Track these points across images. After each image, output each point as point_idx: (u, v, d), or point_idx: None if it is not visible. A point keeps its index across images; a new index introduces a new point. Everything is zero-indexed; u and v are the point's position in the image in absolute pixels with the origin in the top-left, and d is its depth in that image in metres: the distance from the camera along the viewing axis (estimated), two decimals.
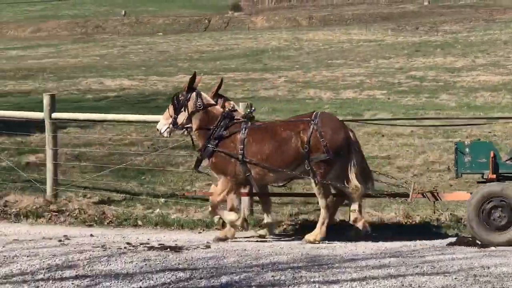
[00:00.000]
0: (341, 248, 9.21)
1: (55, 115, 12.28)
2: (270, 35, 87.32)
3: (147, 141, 17.24)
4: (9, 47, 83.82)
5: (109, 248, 8.79)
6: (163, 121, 9.90)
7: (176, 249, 8.79)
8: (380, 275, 7.24)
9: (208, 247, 9.09)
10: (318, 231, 9.46)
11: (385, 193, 10.31)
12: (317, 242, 9.42)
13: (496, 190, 9.13)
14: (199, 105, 9.63)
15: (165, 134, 9.92)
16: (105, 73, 45.60)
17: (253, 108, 10.31)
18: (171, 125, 9.75)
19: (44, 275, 7.47)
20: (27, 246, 8.93)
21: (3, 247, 8.85)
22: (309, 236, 9.52)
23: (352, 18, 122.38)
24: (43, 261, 7.95)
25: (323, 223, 9.43)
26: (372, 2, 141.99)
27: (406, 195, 10.03)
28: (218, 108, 9.81)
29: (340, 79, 40.06)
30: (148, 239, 9.70)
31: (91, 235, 10.13)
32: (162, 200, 12.09)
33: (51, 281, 7.22)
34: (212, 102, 9.89)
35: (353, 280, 7.09)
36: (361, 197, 9.49)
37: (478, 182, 9.97)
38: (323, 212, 9.43)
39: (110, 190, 13.08)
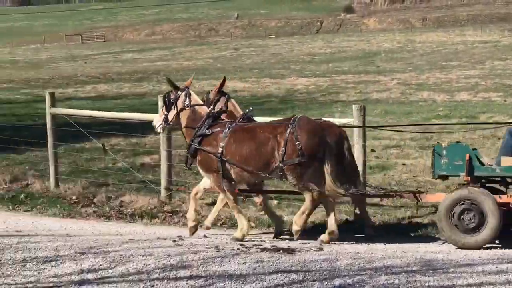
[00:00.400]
0: (456, 252, 9.02)
1: None
2: (383, 37, 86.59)
3: None
4: (124, 50, 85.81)
5: (223, 249, 8.84)
6: (157, 118, 10.48)
7: (289, 251, 8.77)
8: (497, 281, 7.05)
9: (321, 249, 9.05)
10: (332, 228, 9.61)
11: (370, 193, 10.28)
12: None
13: (466, 193, 9.23)
14: (187, 104, 10.13)
15: (159, 130, 10.55)
16: (218, 76, 46.03)
17: (251, 109, 10.70)
18: (163, 122, 10.29)
19: (159, 274, 7.58)
20: (142, 246, 9.08)
21: (119, 246, 9.02)
22: (323, 237, 9.69)
23: (467, 19, 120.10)
24: (158, 261, 8.06)
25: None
26: (488, 2, 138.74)
27: (389, 196, 10.29)
28: (204, 108, 10.20)
29: (454, 81, 39.29)
30: (261, 241, 9.72)
31: (205, 236, 10.23)
32: (275, 202, 12.09)
33: (166, 281, 7.32)
34: (200, 102, 10.32)
35: (469, 285, 6.93)
36: (335, 199, 9.70)
37: (459, 184, 9.94)
38: (308, 204, 9.53)
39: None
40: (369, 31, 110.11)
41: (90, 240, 9.50)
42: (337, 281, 7.13)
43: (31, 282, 7.37)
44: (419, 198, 9.80)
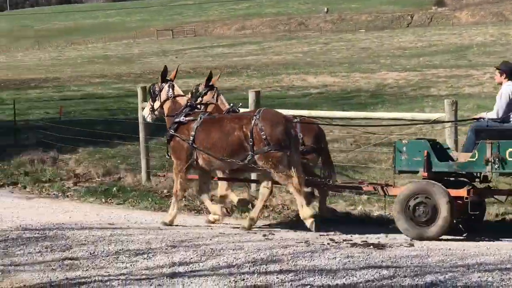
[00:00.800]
0: None
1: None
2: (475, 31, 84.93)
3: (350, 138, 17.18)
4: (214, 45, 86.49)
5: (312, 244, 8.83)
6: (146, 108, 11.20)
7: (379, 246, 8.70)
8: None
9: (411, 245, 8.95)
10: (304, 211, 9.92)
11: (340, 185, 10.96)
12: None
13: (420, 187, 9.55)
14: (170, 95, 10.86)
15: (148, 119, 11.30)
16: (307, 70, 46.01)
17: (240, 104, 11.57)
18: (150, 112, 11.04)
19: (249, 268, 7.61)
20: (233, 240, 9.13)
21: (210, 240, 9.10)
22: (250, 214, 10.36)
23: None
24: (248, 255, 8.10)
25: (301, 205, 9.91)
26: None
27: (358, 188, 10.77)
28: (185, 99, 10.91)
29: None
30: (351, 236, 9.66)
31: (294, 231, 10.22)
32: (365, 197, 11.99)
33: (256, 275, 7.34)
34: (181, 93, 11.01)
35: None
36: (301, 188, 9.87)
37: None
38: (264, 194, 10.14)
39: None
40: (461, 25, 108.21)
41: (181, 233, 9.61)
42: (428, 278, 7.03)
43: (123, 274, 7.49)
44: (386, 191, 10.11)
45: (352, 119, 13.24)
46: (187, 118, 10.51)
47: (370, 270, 7.37)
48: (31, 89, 38.58)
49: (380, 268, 7.46)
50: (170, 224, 10.39)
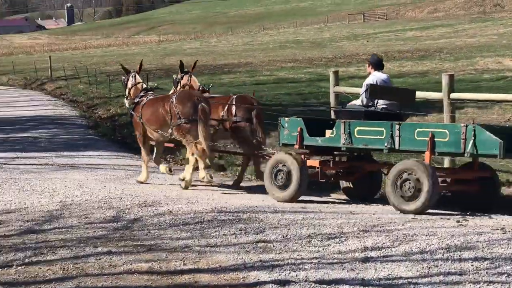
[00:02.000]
0: None
1: (453, 95, 12.17)
2: None
3: None
4: (406, 28, 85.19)
5: (509, 231, 8.55)
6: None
7: None
8: None
9: None
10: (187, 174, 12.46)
11: (228, 150, 13.51)
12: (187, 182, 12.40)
13: (281, 156, 11.28)
14: (132, 83, 13.52)
15: (127, 105, 13.99)
16: (503, 53, 44.45)
17: (210, 85, 14.26)
18: (126, 97, 13.84)
19: (442, 255, 7.47)
20: (425, 225, 9.00)
21: (402, 225, 9.01)
22: (181, 175, 12.76)
23: None
24: (442, 241, 7.96)
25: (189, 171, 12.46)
26: None
27: (250, 154, 12.76)
28: (142, 85, 13.64)
29: None
30: None
31: (489, 217, 9.94)
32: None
33: (449, 261, 7.21)
34: (140, 80, 13.69)
35: None
36: (204, 153, 11.98)
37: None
38: (191, 160, 12.39)
39: (506, 171, 12.57)
40: None
41: (373, 218, 9.57)
42: None
43: (316, 257, 7.55)
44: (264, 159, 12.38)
45: None
46: (139, 100, 13.14)
47: None
48: (224, 74, 39.56)
49: None
50: (142, 183, 12.82)
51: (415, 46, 56.63)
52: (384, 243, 8.00)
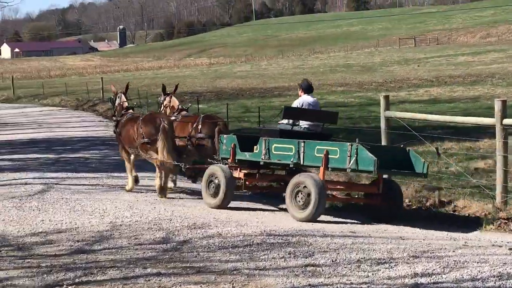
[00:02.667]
0: None
1: (506, 121, 12.03)
2: None
3: None
4: (458, 53, 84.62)
5: None
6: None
7: None
8: None
9: None
10: (156, 181, 14.04)
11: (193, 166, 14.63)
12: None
13: (212, 168, 12.98)
14: (118, 102, 15.32)
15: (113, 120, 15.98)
16: None
17: (189, 105, 17.33)
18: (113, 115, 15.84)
19: (494, 283, 7.38)
20: (477, 252, 8.89)
21: (453, 251, 8.91)
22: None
23: None
24: (494, 269, 7.86)
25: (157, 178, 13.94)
26: None
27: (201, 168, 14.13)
28: (125, 104, 15.29)
29: None
30: None
31: None
32: None
33: None
34: (124, 100, 15.31)
35: None
36: (167, 169, 13.77)
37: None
38: (158, 170, 13.82)
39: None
40: None
41: (423, 243, 9.48)
42: None
43: (365, 282, 7.50)
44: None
45: None
46: (121, 118, 14.87)
47: None
48: (274, 97, 39.65)
49: None
50: (129, 191, 14.36)
51: (467, 71, 56.21)
52: (434, 270, 7.92)
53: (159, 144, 13.61)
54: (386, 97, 14.23)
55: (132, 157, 14.64)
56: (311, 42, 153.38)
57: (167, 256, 8.80)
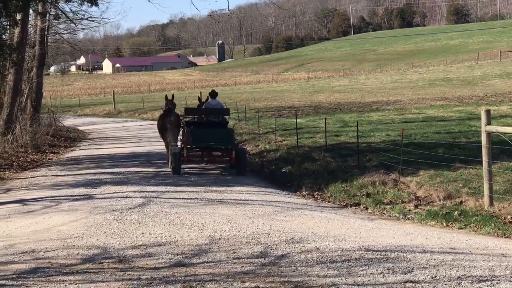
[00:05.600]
0: None
1: None
2: None
3: None
4: None
5: None
6: None
7: None
8: None
9: None
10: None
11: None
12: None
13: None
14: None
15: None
16: None
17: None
18: None
19: None
20: None
21: None
22: None
23: None
24: None
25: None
26: None
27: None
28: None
29: None
30: None
31: None
32: None
33: None
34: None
35: None
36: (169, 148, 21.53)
37: None
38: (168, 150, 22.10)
39: None
40: None
41: None
42: None
43: None
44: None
45: None
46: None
47: None
48: (373, 111, 39.41)
49: None
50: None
51: None
52: None
53: (169, 134, 22.13)
54: (487, 111, 13.95)
55: None
56: (409, 56, 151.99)
57: (265, 271, 8.82)
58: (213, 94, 22.04)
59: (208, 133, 20.52)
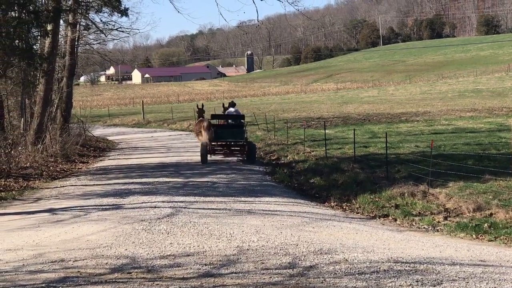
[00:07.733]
0: None
1: None
2: None
3: None
4: None
5: None
6: None
7: None
8: None
9: None
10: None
11: None
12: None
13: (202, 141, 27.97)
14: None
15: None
16: None
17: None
18: None
19: None
20: None
21: None
22: None
23: None
24: None
25: None
26: None
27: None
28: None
29: None
30: None
31: None
32: None
33: None
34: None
35: None
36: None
37: None
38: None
39: None
40: None
41: None
42: None
43: None
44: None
45: None
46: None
47: None
48: (402, 123, 39.27)
49: None
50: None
51: None
52: None
53: (204, 132, 26.75)
54: None
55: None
56: (439, 67, 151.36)
57: (293, 281, 8.80)
58: (232, 104, 28.52)
59: (227, 132, 26.89)
